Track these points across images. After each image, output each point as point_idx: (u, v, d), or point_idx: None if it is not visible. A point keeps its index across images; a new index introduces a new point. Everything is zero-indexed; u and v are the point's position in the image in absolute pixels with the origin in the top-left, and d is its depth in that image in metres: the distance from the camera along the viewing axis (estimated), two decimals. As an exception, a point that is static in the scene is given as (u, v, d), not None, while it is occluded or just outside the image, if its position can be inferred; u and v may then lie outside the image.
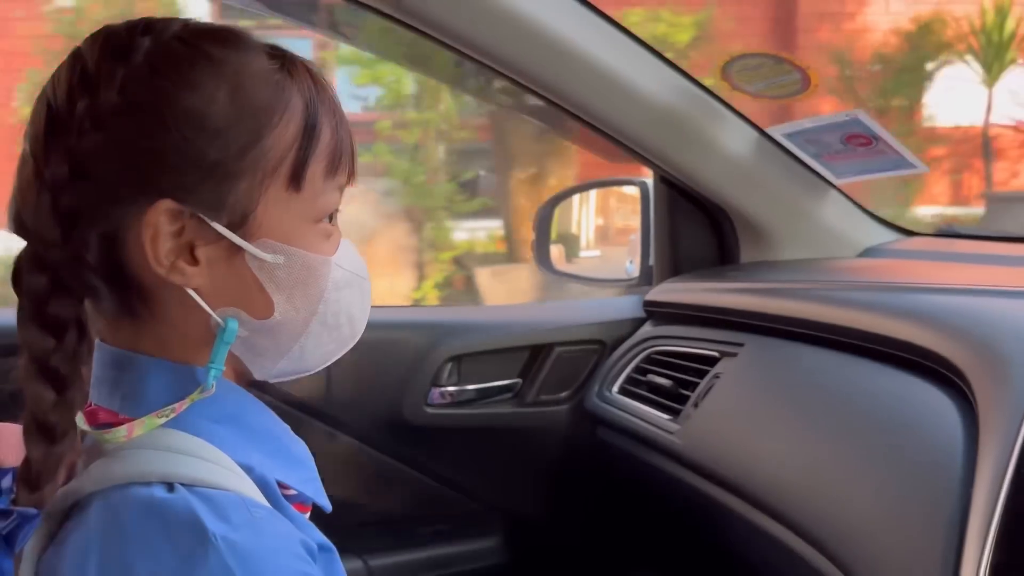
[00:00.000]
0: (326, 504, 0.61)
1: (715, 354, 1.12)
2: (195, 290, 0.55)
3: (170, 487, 0.51)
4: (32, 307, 0.53)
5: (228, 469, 0.54)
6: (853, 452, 0.85)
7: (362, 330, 0.64)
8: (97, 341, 0.57)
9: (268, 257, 0.56)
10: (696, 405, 1.09)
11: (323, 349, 0.61)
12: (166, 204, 0.53)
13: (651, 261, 1.45)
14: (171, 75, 0.54)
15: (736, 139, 1.24)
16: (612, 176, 1.69)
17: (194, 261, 0.54)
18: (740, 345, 1.09)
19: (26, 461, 0.51)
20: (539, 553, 1.36)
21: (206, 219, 0.54)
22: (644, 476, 1.19)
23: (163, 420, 0.54)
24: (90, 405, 0.56)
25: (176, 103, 0.53)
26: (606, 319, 1.36)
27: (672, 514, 1.21)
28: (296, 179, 0.56)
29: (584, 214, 1.59)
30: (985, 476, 0.69)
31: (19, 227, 0.55)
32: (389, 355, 1.24)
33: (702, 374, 1.12)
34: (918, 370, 0.85)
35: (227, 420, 0.57)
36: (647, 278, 1.45)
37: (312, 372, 0.63)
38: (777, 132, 1.26)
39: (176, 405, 0.54)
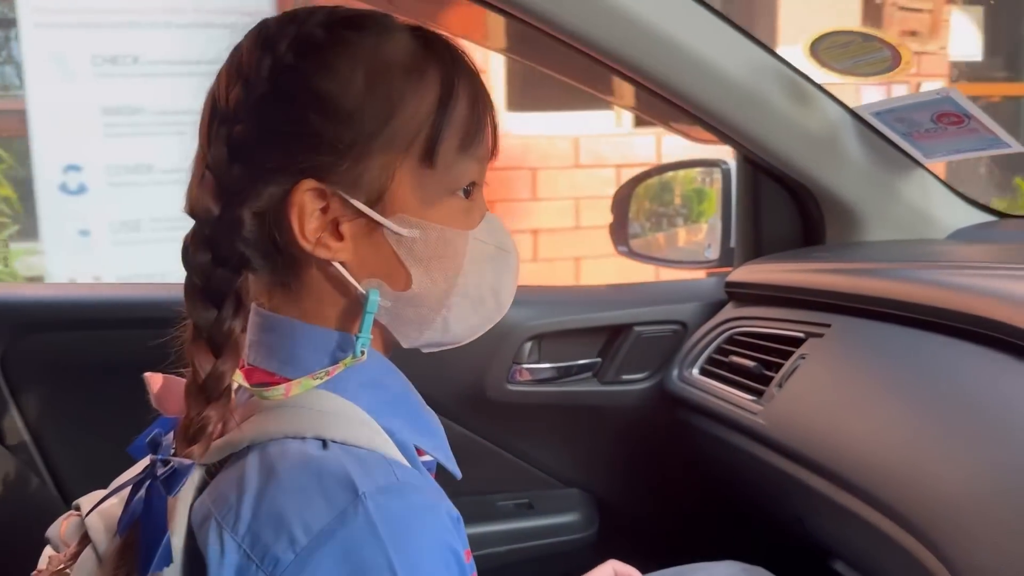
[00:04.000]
0: (456, 471, 0.64)
1: (800, 335, 1.11)
2: (341, 263, 0.58)
3: (323, 444, 0.55)
4: (197, 281, 0.57)
5: (374, 431, 0.57)
6: (946, 433, 0.84)
7: (508, 305, 0.67)
8: (254, 306, 0.61)
9: (404, 231, 0.58)
10: (780, 386, 1.09)
11: (468, 322, 0.64)
12: (308, 184, 0.56)
13: (732, 243, 1.44)
14: (310, 61, 0.57)
15: (824, 118, 1.22)
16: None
17: (339, 236, 0.58)
18: (827, 326, 1.08)
19: (186, 418, 0.55)
20: (617, 529, 1.38)
21: (345, 196, 0.57)
22: (726, 456, 1.19)
23: (317, 382, 0.58)
24: (244, 365, 0.60)
25: (314, 88, 0.56)
26: (687, 300, 1.36)
27: (755, 494, 1.21)
28: (429, 154, 0.58)
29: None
30: None
31: (191, 209, 0.59)
32: None
33: (786, 355, 1.12)
34: (1012, 351, 0.84)
35: (372, 385, 0.60)
36: (727, 260, 1.44)
37: (461, 344, 0.66)
38: (866, 111, 1.24)
39: (330, 368, 0.58)
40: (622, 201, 1.63)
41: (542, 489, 1.35)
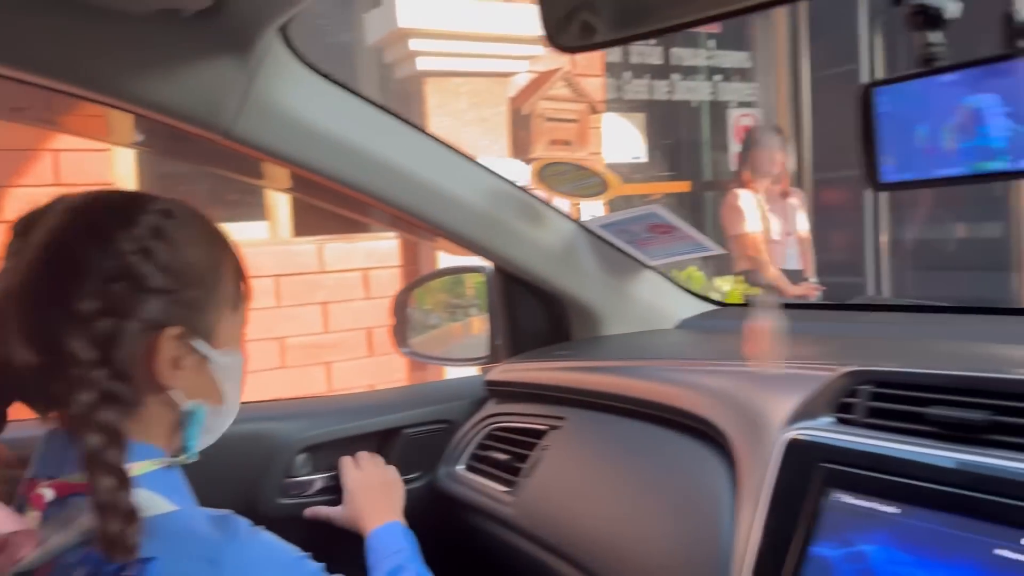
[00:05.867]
0: None
1: (543, 428, 1.24)
2: (177, 390, 0.76)
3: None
4: (84, 416, 0.68)
5: None
6: (647, 509, 0.98)
7: None
8: (53, 428, 0.74)
9: (224, 360, 0.79)
10: (528, 476, 1.20)
11: (228, 424, 0.85)
12: (173, 331, 0.74)
13: (499, 340, 1.57)
14: (170, 237, 0.74)
15: (557, 232, 1.39)
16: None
17: (180, 368, 0.75)
18: (563, 419, 1.21)
19: (103, 534, 0.65)
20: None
21: (191, 340, 0.75)
22: (489, 549, 1.27)
23: (155, 467, 0.73)
24: (37, 482, 0.72)
25: (176, 258, 0.74)
26: (453, 399, 1.45)
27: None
28: (236, 302, 0.81)
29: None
30: (745, 517, 0.83)
31: (40, 351, 0.70)
32: (239, 448, 1.26)
33: (533, 447, 1.23)
34: (696, 434, 0.99)
35: (176, 491, 0.76)
36: (496, 356, 1.56)
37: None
38: (593, 224, 1.42)
39: (164, 459, 0.76)
40: (401, 306, 1.73)
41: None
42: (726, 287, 4.02)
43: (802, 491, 0.79)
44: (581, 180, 1.28)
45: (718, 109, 5.43)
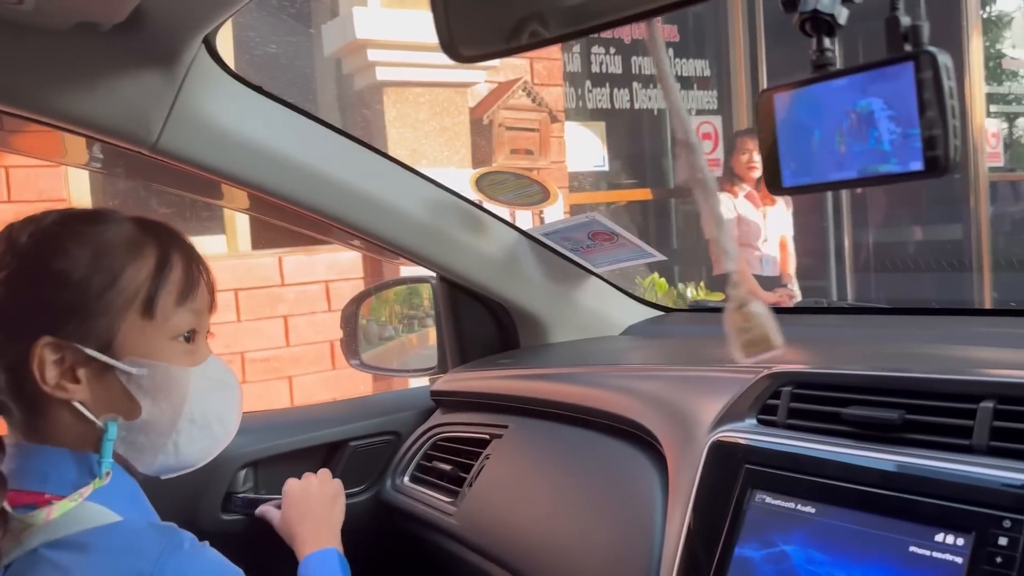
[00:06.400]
0: None
1: (486, 437, 1.23)
2: (80, 402, 0.74)
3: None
4: None
5: None
6: (583, 514, 0.98)
7: (235, 429, 0.85)
8: (14, 443, 0.75)
9: (133, 370, 0.75)
10: (471, 486, 1.19)
11: (197, 445, 0.81)
12: (45, 339, 0.72)
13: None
14: (45, 247, 0.74)
15: (500, 242, 1.39)
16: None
17: (76, 380, 0.73)
18: (505, 427, 1.21)
19: None
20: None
21: (78, 346, 0.73)
22: (433, 559, 1.26)
23: (74, 503, 0.70)
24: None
25: (49, 267, 0.73)
26: (400, 410, 1.44)
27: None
28: (149, 309, 0.76)
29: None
30: (675, 519, 0.84)
31: None
32: None
33: (478, 456, 1.23)
34: (631, 438, 1.00)
35: (127, 501, 0.76)
36: (445, 366, 1.56)
37: (195, 467, 0.82)
38: (537, 232, 1.42)
39: (83, 490, 0.72)
40: (349, 318, 1.72)
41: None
42: (690, 292, 4.04)
43: (727, 493, 0.80)
44: (521, 189, 1.28)
45: (680, 117, 5.46)
